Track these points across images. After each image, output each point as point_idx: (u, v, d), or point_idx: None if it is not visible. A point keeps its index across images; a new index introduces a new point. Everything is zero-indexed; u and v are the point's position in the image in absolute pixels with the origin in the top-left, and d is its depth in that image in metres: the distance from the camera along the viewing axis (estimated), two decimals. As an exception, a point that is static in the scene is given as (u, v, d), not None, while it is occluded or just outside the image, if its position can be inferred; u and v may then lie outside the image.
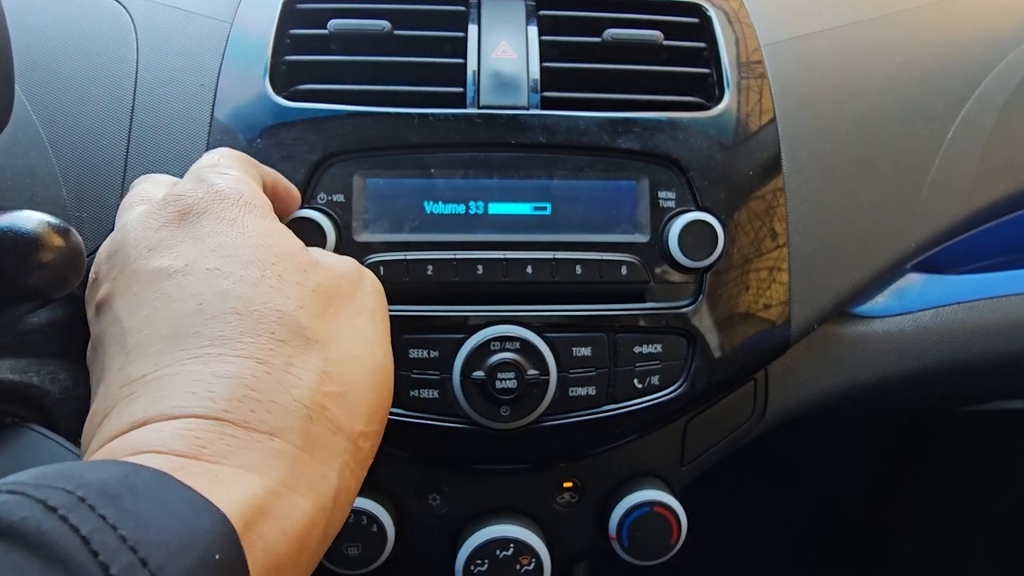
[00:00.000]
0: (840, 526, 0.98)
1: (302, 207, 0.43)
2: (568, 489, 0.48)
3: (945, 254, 0.56)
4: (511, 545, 0.44)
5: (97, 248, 0.46)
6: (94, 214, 0.45)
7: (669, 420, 0.47)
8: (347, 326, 0.30)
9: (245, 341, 0.26)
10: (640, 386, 0.45)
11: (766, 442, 0.53)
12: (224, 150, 0.35)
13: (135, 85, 0.46)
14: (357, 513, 0.44)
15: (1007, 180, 0.54)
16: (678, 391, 0.45)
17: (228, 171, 0.33)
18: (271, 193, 0.36)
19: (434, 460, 0.46)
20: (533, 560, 0.44)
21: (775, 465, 0.97)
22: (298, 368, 0.27)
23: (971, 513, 0.88)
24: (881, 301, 0.55)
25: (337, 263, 0.33)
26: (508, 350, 0.42)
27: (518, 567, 0.45)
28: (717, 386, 0.46)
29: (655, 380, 0.45)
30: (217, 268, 0.28)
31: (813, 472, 1.00)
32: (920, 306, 0.55)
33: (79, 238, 0.34)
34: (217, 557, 0.21)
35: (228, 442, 0.24)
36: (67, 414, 0.43)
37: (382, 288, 0.35)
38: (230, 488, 0.23)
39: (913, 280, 0.56)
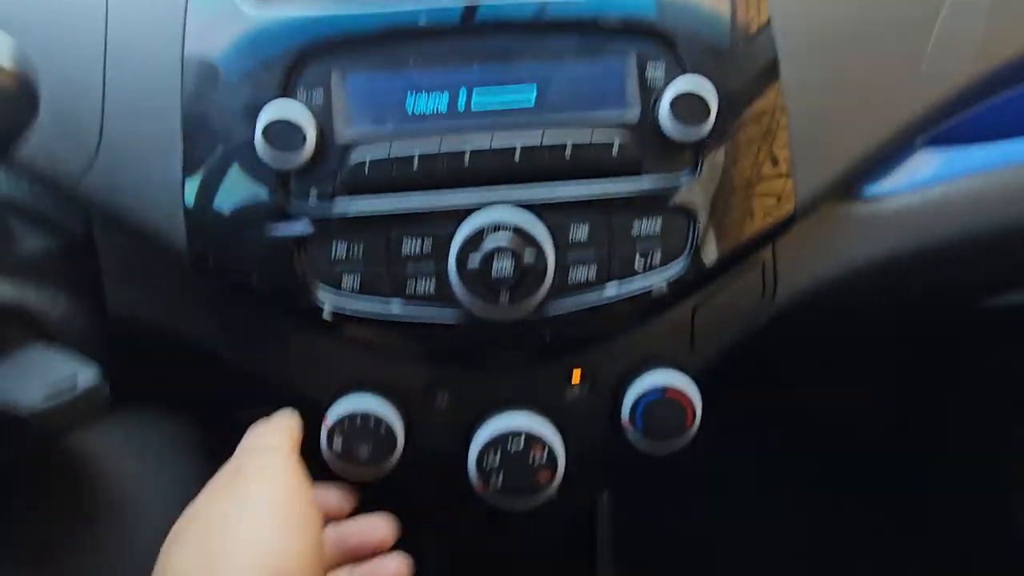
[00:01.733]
0: (868, 460, 0.94)
1: (280, 98, 0.42)
2: (578, 383, 0.47)
3: (963, 131, 0.53)
4: (521, 436, 0.44)
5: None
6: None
7: (675, 300, 0.45)
8: None
9: None
10: (641, 266, 0.44)
11: (781, 380, 0.51)
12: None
13: (106, 11, 0.46)
14: (364, 417, 0.44)
15: (1021, 37, 0.51)
16: (681, 269, 0.44)
17: None
18: None
19: (438, 356, 0.46)
20: (545, 450, 0.44)
21: (791, 408, 0.94)
22: None
23: (1008, 431, 0.85)
24: (892, 181, 0.53)
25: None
26: (502, 234, 0.41)
27: (531, 460, 0.44)
28: (721, 263, 0.45)
29: (656, 259, 0.44)
30: None
31: (833, 408, 0.96)
32: (933, 181, 0.52)
33: (28, 67, 0.28)
34: None
35: None
36: (66, 342, 0.43)
37: None
38: None
39: (927, 158, 0.54)
